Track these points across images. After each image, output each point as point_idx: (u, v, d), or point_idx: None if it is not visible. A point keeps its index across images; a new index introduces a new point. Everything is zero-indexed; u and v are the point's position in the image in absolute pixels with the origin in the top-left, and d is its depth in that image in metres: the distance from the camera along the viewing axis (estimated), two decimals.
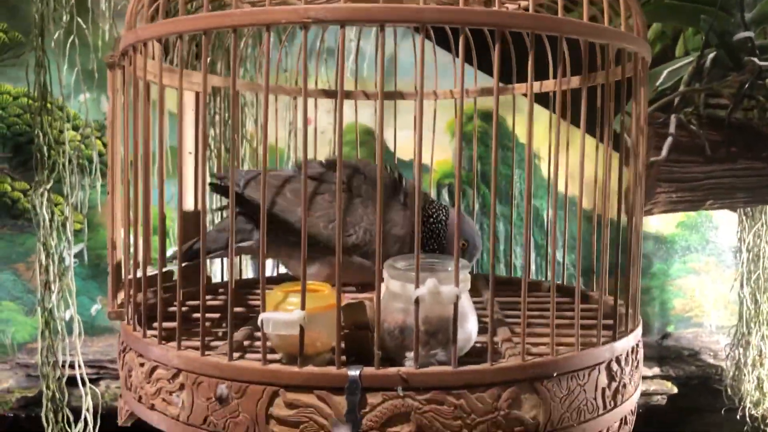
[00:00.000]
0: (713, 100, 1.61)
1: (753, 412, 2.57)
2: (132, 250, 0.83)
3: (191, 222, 1.03)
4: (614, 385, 0.80)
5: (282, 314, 0.69)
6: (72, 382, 2.17)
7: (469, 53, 1.19)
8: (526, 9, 1.04)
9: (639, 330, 0.89)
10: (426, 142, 1.25)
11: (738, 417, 2.56)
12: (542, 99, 1.11)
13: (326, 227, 0.92)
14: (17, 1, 3.05)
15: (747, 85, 1.56)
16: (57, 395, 2.03)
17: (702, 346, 2.84)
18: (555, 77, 1.11)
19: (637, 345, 0.88)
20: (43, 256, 2.00)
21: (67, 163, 1.97)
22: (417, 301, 0.69)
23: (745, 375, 2.59)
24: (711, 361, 2.80)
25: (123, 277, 0.88)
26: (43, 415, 1.99)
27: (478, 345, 0.77)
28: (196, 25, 0.70)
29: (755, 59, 1.55)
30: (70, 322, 2.07)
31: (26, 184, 3.59)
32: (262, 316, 0.70)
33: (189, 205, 1.05)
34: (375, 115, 1.27)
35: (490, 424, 0.70)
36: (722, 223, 2.85)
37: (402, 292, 0.71)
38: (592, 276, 0.88)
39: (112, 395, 3.09)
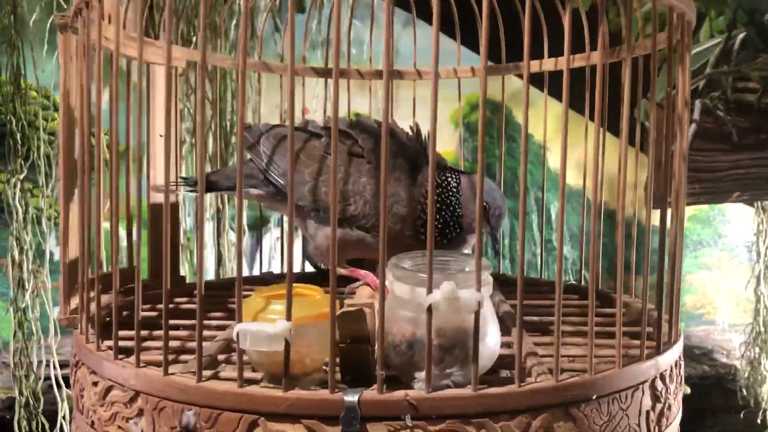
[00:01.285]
0: (741, 84, 1.51)
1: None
2: (86, 246, 0.70)
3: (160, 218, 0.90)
4: (659, 406, 0.68)
5: (263, 326, 0.56)
6: (66, 381, 2.04)
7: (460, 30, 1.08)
8: None
9: (681, 341, 0.76)
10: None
11: (758, 421, 2.45)
12: (553, 86, 0.99)
13: (327, 194, 0.82)
14: None
15: None
16: (31, 401, 1.90)
17: (714, 345, 2.73)
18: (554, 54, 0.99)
19: (680, 358, 0.75)
20: (16, 252, 1.86)
21: (41, 152, 1.83)
22: (430, 309, 0.55)
23: (761, 376, 2.48)
24: (724, 360, 2.69)
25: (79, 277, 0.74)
26: (15, 422, 1.86)
27: (501, 360, 0.64)
28: None
29: None
30: (46, 322, 1.93)
31: (7, 175, 3.46)
32: (237, 327, 0.56)
33: (159, 197, 0.92)
34: (371, 103, 1.13)
35: None
36: (735, 217, 2.74)
37: (411, 297, 0.58)
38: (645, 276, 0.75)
39: None
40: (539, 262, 1.15)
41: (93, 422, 0.65)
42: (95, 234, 0.70)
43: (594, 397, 0.61)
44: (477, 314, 0.56)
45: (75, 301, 0.73)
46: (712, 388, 2.63)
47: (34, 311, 1.89)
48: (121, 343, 0.64)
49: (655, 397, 0.68)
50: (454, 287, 0.55)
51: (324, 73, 1.07)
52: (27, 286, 1.88)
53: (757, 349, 2.54)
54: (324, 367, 0.61)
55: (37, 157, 1.89)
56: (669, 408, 0.70)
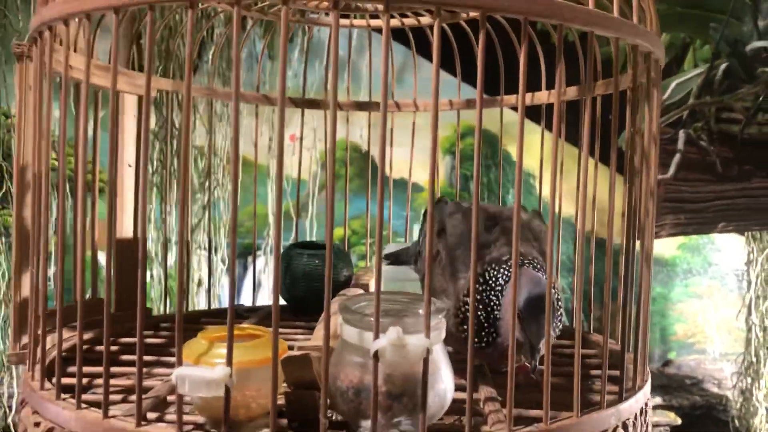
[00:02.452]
0: (725, 114, 1.51)
1: None
2: (39, 281, 0.68)
3: (125, 254, 0.89)
4: None
5: (202, 370, 0.54)
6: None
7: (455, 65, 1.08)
8: None
9: (648, 386, 0.74)
10: (418, 161, 1.13)
11: None
12: (534, 114, 1.00)
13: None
14: None
15: (761, 98, 1.45)
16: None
17: (705, 374, 2.70)
18: (550, 87, 0.98)
19: (646, 404, 0.73)
20: None
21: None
22: (376, 356, 0.54)
23: (753, 407, 2.46)
24: (715, 390, 2.66)
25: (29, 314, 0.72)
26: None
27: (456, 405, 0.62)
28: (107, 2, 0.56)
29: None
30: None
31: None
32: (176, 372, 0.54)
33: (127, 229, 0.90)
34: (362, 132, 1.14)
35: None
36: (725, 246, 2.72)
37: (359, 342, 0.56)
38: (606, 320, 0.71)
39: None
40: None
41: None
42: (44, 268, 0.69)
43: None
44: (426, 361, 0.54)
45: (25, 339, 0.71)
46: (703, 419, 2.60)
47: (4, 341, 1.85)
48: (69, 381, 0.63)
49: None
50: (401, 333, 0.53)
51: (299, 103, 1.07)
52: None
53: (749, 380, 2.52)
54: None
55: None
56: None
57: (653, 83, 0.71)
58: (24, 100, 0.71)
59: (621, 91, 0.70)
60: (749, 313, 2.48)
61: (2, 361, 1.83)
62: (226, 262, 1.80)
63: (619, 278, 0.73)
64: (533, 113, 1.00)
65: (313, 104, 1.10)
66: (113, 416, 0.58)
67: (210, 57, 1.64)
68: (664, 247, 2.74)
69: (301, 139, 1.14)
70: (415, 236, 0.89)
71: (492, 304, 0.69)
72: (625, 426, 0.66)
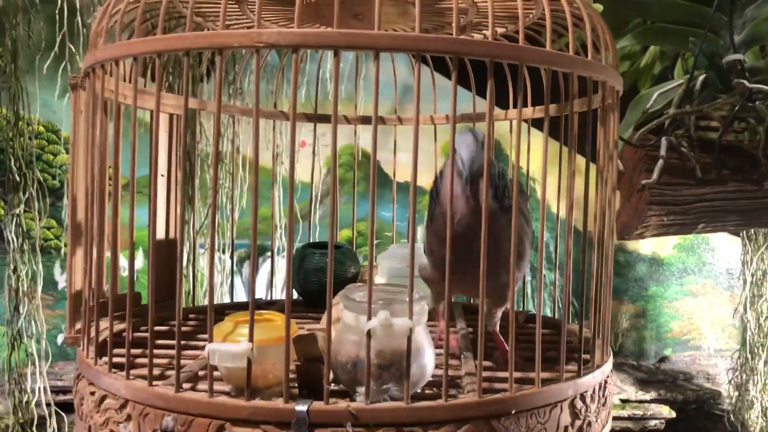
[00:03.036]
0: (704, 123, 1.58)
1: None
2: (92, 275, 0.82)
3: (162, 253, 1.02)
4: (578, 423, 0.78)
5: (229, 346, 0.67)
6: (70, 407, 2.14)
7: (467, 79, 1.19)
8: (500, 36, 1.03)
9: (608, 364, 0.86)
10: (423, 165, 1.25)
11: None
12: (538, 124, 1.11)
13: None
14: None
15: (737, 108, 1.54)
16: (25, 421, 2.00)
17: (700, 370, 2.81)
18: (523, 105, 1.11)
19: (606, 380, 0.85)
20: (13, 280, 1.96)
21: (36, 186, 1.95)
22: (369, 334, 0.67)
23: (747, 402, 2.54)
24: (709, 385, 2.76)
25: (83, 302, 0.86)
26: None
27: (436, 378, 0.75)
28: (151, 48, 0.69)
29: (745, 81, 1.52)
30: (53, 346, 2.03)
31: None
32: (208, 347, 0.68)
33: (159, 232, 1.03)
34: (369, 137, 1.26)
35: None
36: (719, 245, 2.83)
37: (355, 324, 0.69)
38: (566, 305, 0.84)
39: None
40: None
41: (90, 427, 0.76)
42: (97, 265, 0.82)
43: (513, 412, 0.71)
44: (409, 339, 0.67)
45: (78, 324, 0.84)
46: (697, 412, 2.72)
47: (28, 334, 1.98)
48: (118, 360, 0.76)
49: (575, 415, 0.78)
50: (388, 316, 0.66)
51: (312, 117, 1.20)
52: (21, 312, 1.97)
53: (744, 376, 2.59)
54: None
55: (32, 191, 1.99)
56: (589, 425, 0.80)
57: (609, 107, 0.84)
58: (77, 123, 0.84)
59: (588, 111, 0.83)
60: (745, 311, 2.55)
61: (27, 353, 1.96)
62: (235, 262, 1.92)
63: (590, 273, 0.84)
64: (538, 122, 1.12)
65: (324, 119, 1.22)
66: (156, 385, 0.71)
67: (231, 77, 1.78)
68: (660, 247, 2.85)
69: (314, 152, 1.26)
70: (419, 237, 0.99)
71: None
72: (582, 397, 0.79)
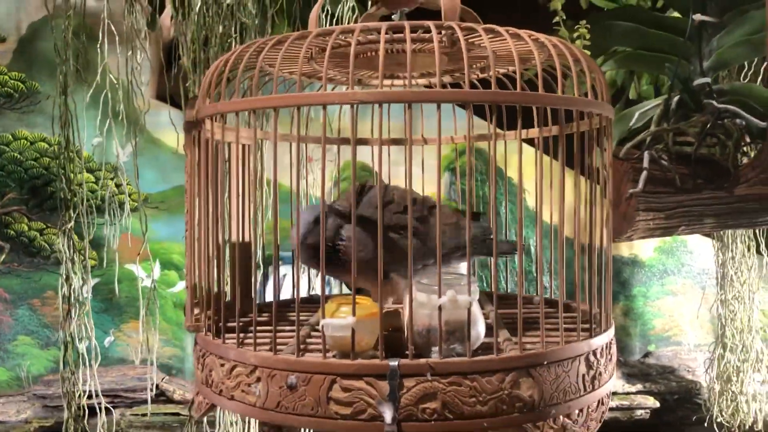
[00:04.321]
0: (680, 138, 1.77)
1: (729, 423, 2.75)
2: (206, 276, 1.05)
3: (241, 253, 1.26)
4: (592, 372, 1.02)
5: (338, 320, 0.91)
6: (92, 411, 2.36)
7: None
8: (513, 73, 1.29)
9: (611, 330, 1.11)
10: (427, 180, 1.48)
11: (717, 429, 2.72)
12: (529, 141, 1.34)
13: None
14: (34, 52, 3.30)
15: (709, 125, 1.75)
16: (75, 425, 2.21)
17: (681, 363, 3.07)
18: (538, 126, 1.35)
19: (611, 342, 1.10)
20: (66, 290, 2.18)
21: (83, 205, 2.19)
22: (440, 308, 0.91)
23: (721, 389, 2.75)
24: (689, 377, 3.01)
25: (198, 295, 1.09)
26: None
27: (485, 342, 0.99)
28: (267, 104, 0.93)
29: (714, 102, 1.74)
30: (88, 353, 2.24)
31: (42, 224, 3.81)
32: (322, 321, 0.92)
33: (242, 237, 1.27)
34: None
35: (497, 400, 0.92)
36: (696, 248, 3.10)
37: (427, 301, 0.93)
38: (575, 291, 1.10)
39: (128, 423, 3.27)
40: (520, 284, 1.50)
41: (221, 390, 0.99)
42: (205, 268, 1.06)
43: (545, 363, 0.96)
44: (469, 311, 0.92)
45: (196, 312, 1.08)
46: (679, 402, 2.97)
47: (81, 341, 2.20)
48: (230, 340, 1.00)
49: (589, 366, 1.02)
50: (454, 293, 0.90)
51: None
52: (73, 318, 2.19)
53: (719, 367, 2.80)
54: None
55: (81, 209, 2.22)
56: (600, 374, 1.04)
57: (604, 132, 1.09)
58: (192, 159, 1.08)
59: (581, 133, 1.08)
60: (717, 308, 2.77)
61: (79, 358, 2.18)
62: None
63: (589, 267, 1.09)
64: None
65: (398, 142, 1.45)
66: (279, 352, 0.95)
67: None
68: (642, 250, 3.12)
69: (323, 172, 1.49)
70: None
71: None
72: (594, 353, 1.03)
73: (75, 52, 2.20)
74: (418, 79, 1.42)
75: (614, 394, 2.80)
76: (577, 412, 1.00)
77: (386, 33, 1.05)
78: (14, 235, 3.69)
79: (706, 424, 2.80)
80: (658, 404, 2.88)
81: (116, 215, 2.66)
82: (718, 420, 2.71)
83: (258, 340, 0.97)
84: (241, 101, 0.96)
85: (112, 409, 2.23)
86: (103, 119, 2.35)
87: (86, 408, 2.19)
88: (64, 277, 2.16)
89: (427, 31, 0.98)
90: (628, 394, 2.87)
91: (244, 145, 1.30)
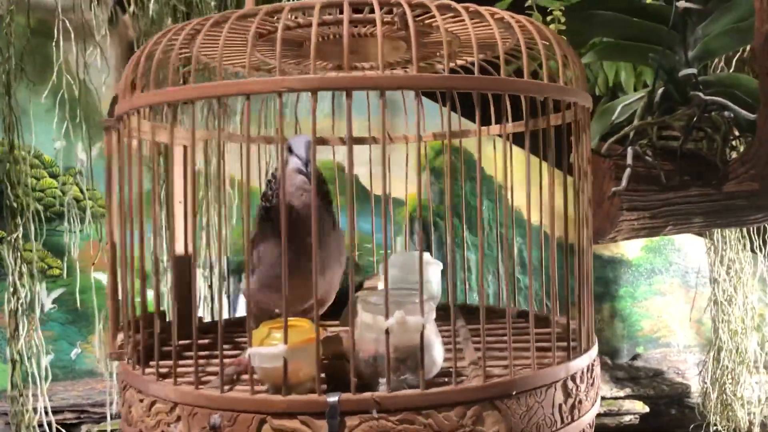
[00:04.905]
0: (665, 132, 1.68)
1: (724, 427, 2.63)
2: (128, 295, 0.91)
3: (181, 267, 1.12)
4: (570, 401, 0.89)
5: (267, 348, 0.77)
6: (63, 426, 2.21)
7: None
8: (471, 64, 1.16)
9: (594, 350, 0.98)
10: (400, 179, 1.35)
11: None
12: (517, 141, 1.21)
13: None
14: None
15: (695, 118, 1.65)
16: None
17: (670, 366, 2.95)
18: (505, 121, 1.22)
19: (593, 363, 0.97)
20: (13, 303, 2.03)
21: (32, 211, 2.04)
22: (387, 332, 0.77)
23: (715, 393, 2.62)
24: (679, 380, 2.90)
25: (120, 320, 0.95)
26: None
27: (445, 368, 0.86)
28: (184, 95, 0.80)
29: (700, 93, 1.64)
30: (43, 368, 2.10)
31: (2, 232, 3.64)
32: (249, 350, 0.78)
33: (179, 250, 1.13)
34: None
35: None
36: (684, 246, 2.98)
37: (373, 323, 0.80)
38: (554, 301, 0.97)
39: None
40: (499, 293, 1.37)
41: (141, 430, 0.85)
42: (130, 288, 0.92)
43: (513, 393, 0.82)
44: (422, 334, 0.78)
45: (119, 339, 0.94)
46: (669, 406, 2.86)
47: (29, 358, 2.05)
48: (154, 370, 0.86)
49: (567, 394, 0.89)
50: (403, 314, 0.77)
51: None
52: (21, 333, 2.04)
53: (712, 369, 2.67)
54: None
55: (29, 216, 2.07)
56: (580, 402, 0.91)
57: (581, 123, 0.96)
58: (111, 161, 0.94)
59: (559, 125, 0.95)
60: (710, 309, 2.64)
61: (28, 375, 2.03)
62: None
63: (571, 272, 0.95)
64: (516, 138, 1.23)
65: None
66: (201, 388, 0.81)
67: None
68: (629, 249, 3.00)
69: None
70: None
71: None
72: (573, 378, 0.90)
73: (20, 49, 2.05)
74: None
75: (602, 398, 2.67)
76: None
77: (330, 13, 0.91)
78: None
79: (693, 428, 2.68)
80: (647, 409, 2.76)
81: (75, 222, 2.51)
82: (714, 428, 2.58)
83: (188, 371, 0.83)
84: (154, 94, 0.82)
85: (62, 430, 2.07)
86: (61, 122, 2.21)
87: (37, 428, 2.04)
88: (11, 290, 2.01)
89: (373, 10, 0.84)
90: (616, 398, 2.76)
91: (185, 147, 1.16)
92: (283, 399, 0.77)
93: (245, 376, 0.79)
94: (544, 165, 0.95)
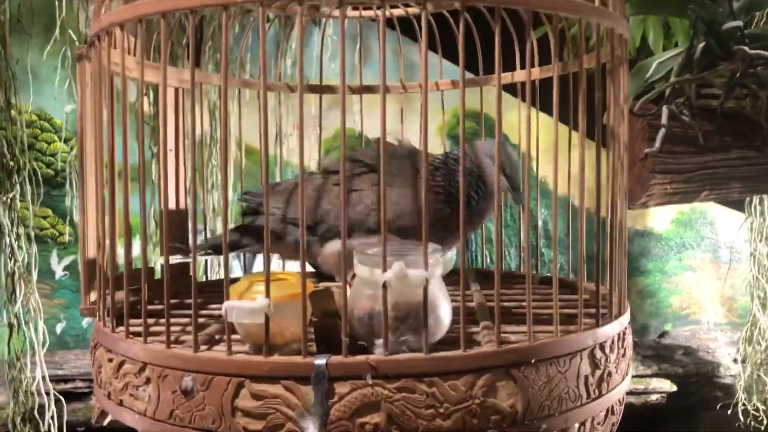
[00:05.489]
0: (705, 90, 1.58)
1: (760, 409, 2.50)
2: (107, 248, 0.81)
3: (173, 221, 1.02)
4: (598, 373, 0.78)
5: (246, 302, 0.67)
6: (70, 396, 2.14)
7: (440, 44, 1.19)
8: None
9: (626, 316, 0.86)
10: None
11: (741, 416, 2.48)
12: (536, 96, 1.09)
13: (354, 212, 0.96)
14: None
15: (738, 74, 1.53)
16: (26, 407, 1.99)
17: (700, 344, 2.82)
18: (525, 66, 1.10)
19: (624, 332, 0.85)
20: (10, 265, 1.95)
21: (28, 170, 1.94)
22: (384, 286, 0.67)
23: (751, 373, 2.50)
24: (709, 358, 2.77)
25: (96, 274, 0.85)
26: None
27: (455, 334, 0.75)
28: (155, 8, 0.69)
29: (745, 48, 1.52)
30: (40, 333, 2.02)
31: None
32: (225, 304, 0.67)
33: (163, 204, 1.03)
34: (356, 117, 1.24)
35: (465, 412, 0.68)
36: (717, 219, 2.84)
37: (370, 277, 0.69)
38: (581, 259, 0.85)
39: None
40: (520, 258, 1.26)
41: (109, 393, 0.76)
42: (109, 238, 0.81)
43: (533, 361, 0.71)
44: (425, 290, 0.67)
45: (93, 295, 0.84)
46: (698, 386, 2.72)
47: (27, 323, 1.97)
48: (133, 329, 0.76)
49: (595, 365, 0.78)
50: (403, 266, 0.66)
51: (295, 88, 1.19)
52: (18, 297, 1.96)
53: (748, 347, 2.54)
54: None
55: (25, 177, 1.98)
56: (610, 375, 0.80)
57: (619, 58, 0.83)
58: (83, 97, 0.84)
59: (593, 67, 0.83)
60: (751, 285, 2.49)
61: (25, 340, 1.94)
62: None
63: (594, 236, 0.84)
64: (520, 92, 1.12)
65: (328, 90, 1.21)
66: (174, 347, 0.71)
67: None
68: (658, 222, 2.86)
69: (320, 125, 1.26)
70: None
71: (470, 172, 0.96)
72: (602, 347, 0.78)
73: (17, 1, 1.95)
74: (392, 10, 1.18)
75: None
76: (577, 426, 0.76)
77: None
78: None
79: (730, 411, 2.55)
80: (675, 388, 2.64)
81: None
82: (743, 407, 2.45)
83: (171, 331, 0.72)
84: (123, 9, 0.71)
85: (62, 398, 2.00)
86: (63, 81, 2.11)
87: (36, 398, 1.96)
88: (8, 251, 1.92)
89: None
90: (642, 377, 2.64)
91: (177, 90, 1.05)
92: (263, 360, 0.67)
93: (235, 336, 0.69)
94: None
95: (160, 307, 0.85)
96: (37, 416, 1.95)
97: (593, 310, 0.80)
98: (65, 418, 2.01)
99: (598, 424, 0.81)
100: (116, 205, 0.78)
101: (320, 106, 1.21)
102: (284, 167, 2.03)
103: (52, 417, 1.92)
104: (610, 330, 0.81)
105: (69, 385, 2.23)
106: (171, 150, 1.01)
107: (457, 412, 0.67)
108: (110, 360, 0.76)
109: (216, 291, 1.02)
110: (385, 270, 0.66)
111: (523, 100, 1.07)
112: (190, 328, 0.79)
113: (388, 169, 0.90)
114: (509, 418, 0.69)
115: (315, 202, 0.97)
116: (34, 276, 1.95)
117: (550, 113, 0.72)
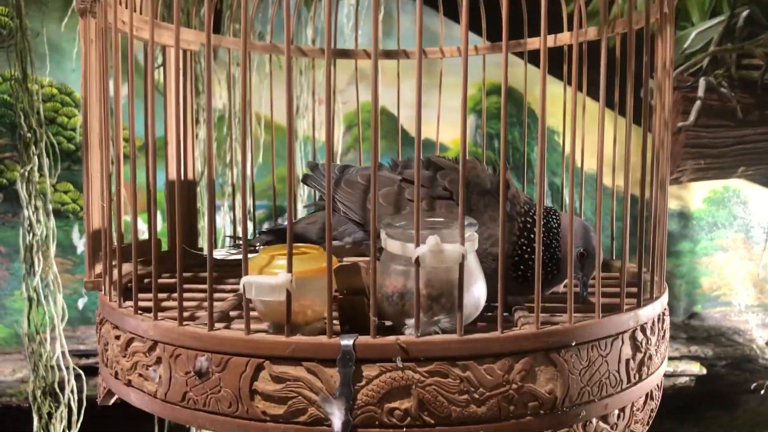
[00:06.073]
0: (746, 61, 1.52)
1: None
2: (113, 219, 0.76)
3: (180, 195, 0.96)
4: (639, 356, 0.73)
5: (266, 277, 0.62)
6: (91, 371, 2.11)
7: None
8: None
9: (665, 297, 0.81)
10: (446, 123, 1.18)
11: None
12: (558, 68, 1.01)
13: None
14: None
15: None
16: (47, 381, 1.96)
17: (731, 326, 2.74)
18: (570, 28, 1.03)
19: (663, 313, 0.80)
20: (29, 238, 1.92)
21: (45, 144, 1.90)
22: (417, 262, 0.61)
23: None
24: (740, 341, 2.70)
25: (102, 246, 0.80)
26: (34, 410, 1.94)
27: (489, 314, 0.70)
28: None
29: None
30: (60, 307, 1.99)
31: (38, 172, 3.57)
32: (243, 279, 0.62)
33: (171, 175, 0.98)
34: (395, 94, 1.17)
35: (501, 398, 0.62)
36: (750, 198, 2.75)
37: (401, 252, 0.63)
38: (625, 233, 0.77)
39: None
40: None
41: (116, 372, 0.71)
42: (116, 208, 0.76)
43: (573, 344, 0.66)
44: (461, 266, 0.61)
45: (98, 268, 0.79)
46: (729, 369, 2.65)
47: (46, 296, 1.94)
48: (141, 304, 0.71)
49: (636, 347, 0.72)
50: (438, 240, 0.60)
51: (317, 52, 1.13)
52: (36, 271, 1.93)
53: None
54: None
55: (43, 149, 1.94)
56: (650, 358, 0.75)
57: (667, 18, 0.77)
58: (87, 53, 0.78)
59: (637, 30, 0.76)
60: None
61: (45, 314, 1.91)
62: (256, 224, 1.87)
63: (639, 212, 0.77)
64: (557, 67, 1.03)
65: (342, 54, 1.15)
66: (187, 324, 0.66)
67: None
68: (690, 201, 2.77)
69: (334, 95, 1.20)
70: None
71: (553, 245, 0.78)
72: (643, 329, 0.73)
73: None
74: None
75: None
76: (616, 412, 0.71)
77: None
78: (7, 185, 3.46)
79: (763, 392, 2.48)
80: (704, 371, 2.57)
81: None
82: None
83: (180, 305, 0.67)
84: None
85: (82, 374, 1.98)
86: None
87: (56, 372, 1.94)
88: (27, 224, 1.89)
89: None
90: (671, 359, 2.57)
91: (186, 52, 1.00)
92: (285, 340, 0.62)
93: (253, 314, 0.64)
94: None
95: (171, 281, 0.80)
96: (57, 390, 1.93)
97: (633, 289, 0.74)
98: (85, 393, 1.99)
99: (637, 410, 0.76)
100: (121, 176, 0.73)
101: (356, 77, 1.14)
102: (305, 141, 1.98)
103: (72, 391, 1.89)
104: (651, 311, 0.76)
105: (90, 360, 2.22)
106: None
107: (493, 398, 0.62)
108: (117, 337, 0.71)
109: (232, 265, 0.97)
110: (418, 244, 0.61)
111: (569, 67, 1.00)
112: (204, 304, 0.75)
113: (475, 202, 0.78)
114: (547, 405, 0.64)
115: (388, 211, 0.81)
116: (53, 250, 1.91)
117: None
